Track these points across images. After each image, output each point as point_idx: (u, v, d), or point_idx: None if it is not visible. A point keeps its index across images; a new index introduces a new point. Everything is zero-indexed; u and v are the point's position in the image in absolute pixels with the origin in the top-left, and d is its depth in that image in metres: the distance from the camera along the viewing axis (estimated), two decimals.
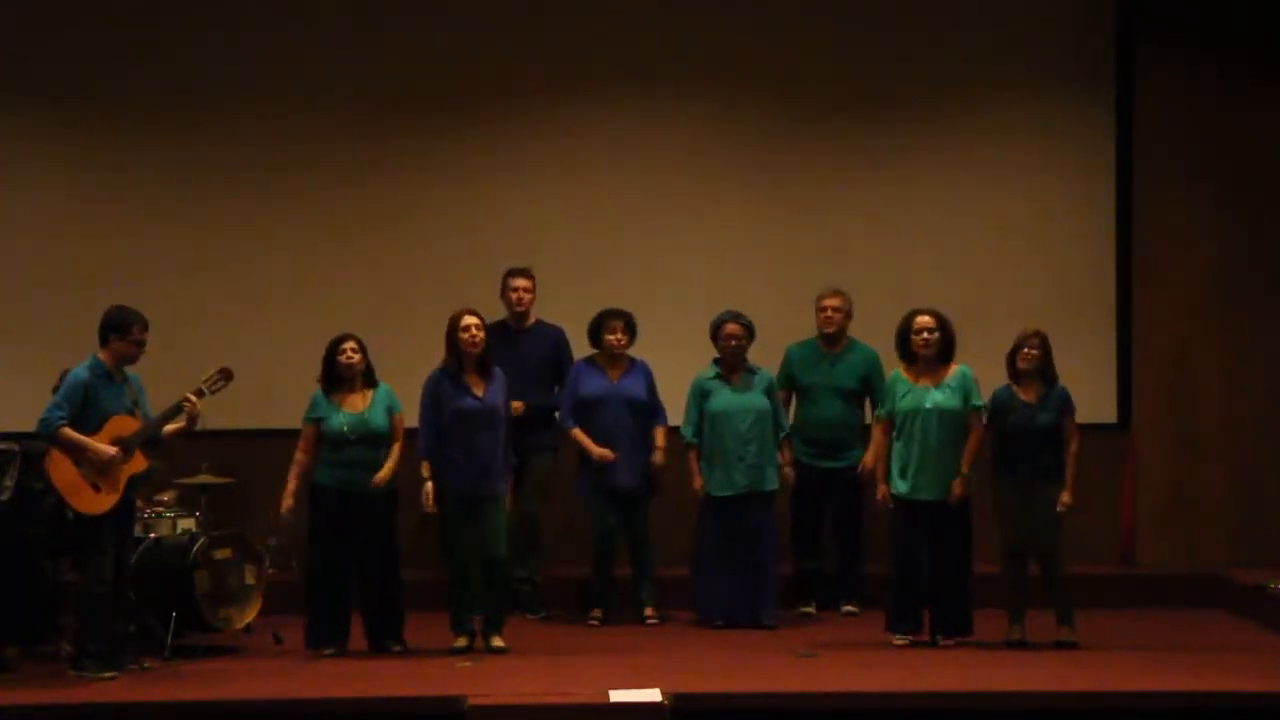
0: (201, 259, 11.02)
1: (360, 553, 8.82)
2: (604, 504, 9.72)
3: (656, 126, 11.12)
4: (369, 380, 8.93)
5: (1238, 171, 10.84)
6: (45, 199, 11.07)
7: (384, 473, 8.80)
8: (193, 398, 8.38)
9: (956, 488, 8.83)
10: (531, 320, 10.06)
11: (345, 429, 8.79)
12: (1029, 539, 8.87)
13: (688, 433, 9.64)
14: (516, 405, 9.22)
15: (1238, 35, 10.82)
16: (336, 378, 8.89)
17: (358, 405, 8.87)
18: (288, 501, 8.87)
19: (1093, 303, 11.00)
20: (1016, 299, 10.81)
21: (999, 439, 8.90)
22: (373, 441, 8.83)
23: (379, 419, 8.86)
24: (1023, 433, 8.84)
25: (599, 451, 9.64)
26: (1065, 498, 8.83)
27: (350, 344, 8.89)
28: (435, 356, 9.13)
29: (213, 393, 8.52)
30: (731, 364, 9.61)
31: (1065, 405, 8.92)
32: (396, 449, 8.91)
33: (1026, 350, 8.88)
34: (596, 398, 9.72)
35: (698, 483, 9.55)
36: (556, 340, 10.09)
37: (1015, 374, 8.94)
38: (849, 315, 10.04)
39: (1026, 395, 8.90)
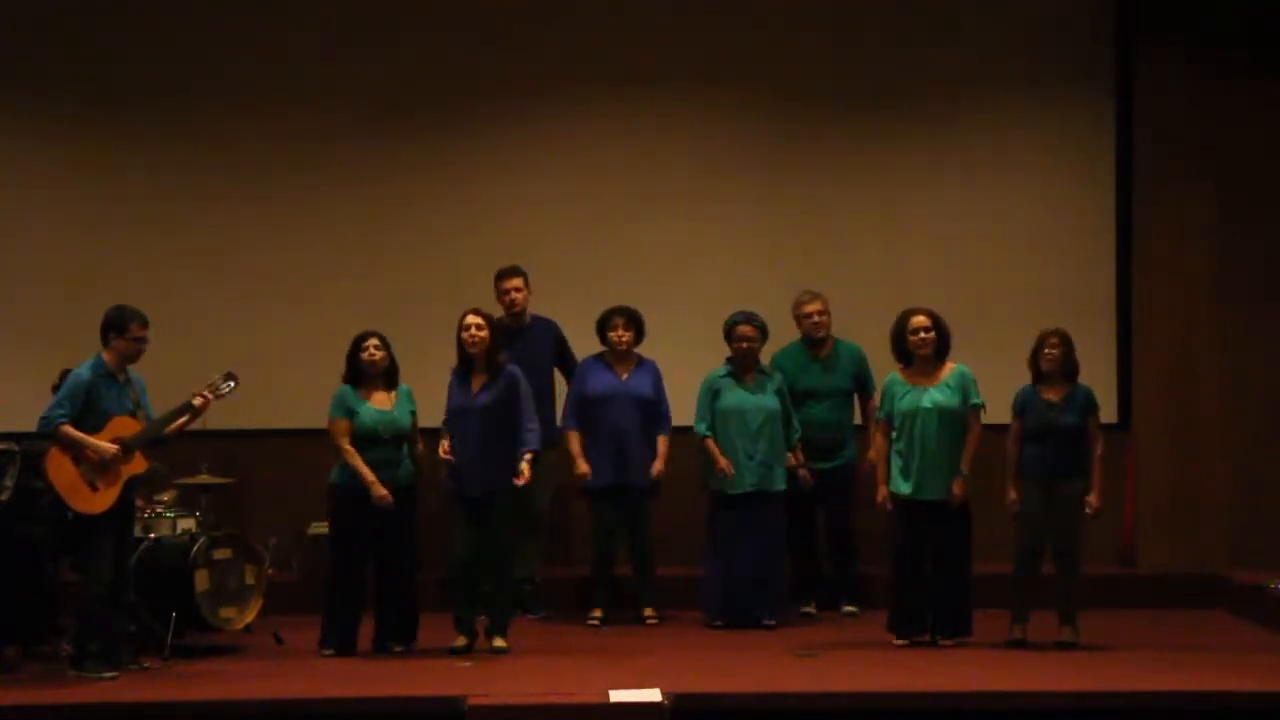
0: (202, 259, 11.02)
1: (378, 552, 8.81)
2: (606, 503, 9.72)
3: (657, 127, 11.12)
4: (391, 379, 8.91)
5: (1237, 171, 10.84)
6: (46, 199, 11.08)
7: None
8: (207, 393, 8.39)
9: (957, 488, 8.83)
10: (527, 318, 10.06)
11: (379, 426, 8.78)
12: (1047, 539, 8.85)
13: (700, 427, 9.60)
14: (523, 471, 8.90)
15: (1238, 35, 10.81)
16: (359, 375, 8.87)
17: (383, 404, 8.86)
18: (381, 490, 8.66)
19: (1093, 303, 10.99)
20: (1017, 299, 10.82)
21: (1022, 438, 8.88)
22: (398, 441, 8.82)
23: (405, 418, 8.86)
24: (1046, 432, 8.83)
25: (582, 468, 9.67)
26: (1093, 500, 8.83)
27: (373, 341, 8.87)
28: (436, 356, 9.15)
29: (217, 397, 8.51)
30: (744, 364, 9.61)
31: (1089, 406, 8.91)
32: (420, 451, 8.93)
33: (1048, 350, 8.87)
34: (605, 395, 9.72)
35: (723, 462, 9.47)
36: (555, 334, 10.10)
37: (1038, 374, 8.92)
38: (829, 315, 10.03)
39: (1050, 394, 8.89)
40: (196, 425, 8.63)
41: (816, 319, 9.97)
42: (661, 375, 9.85)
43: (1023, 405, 8.92)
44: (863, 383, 9.95)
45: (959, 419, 8.90)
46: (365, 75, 11.08)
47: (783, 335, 10.03)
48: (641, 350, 9.90)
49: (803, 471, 9.67)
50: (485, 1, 11.18)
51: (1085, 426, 8.88)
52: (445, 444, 8.79)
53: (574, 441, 9.75)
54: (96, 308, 8.49)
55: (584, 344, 10.05)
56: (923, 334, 8.91)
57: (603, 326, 9.82)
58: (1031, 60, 11.10)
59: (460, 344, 8.88)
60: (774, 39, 11.09)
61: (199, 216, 11.04)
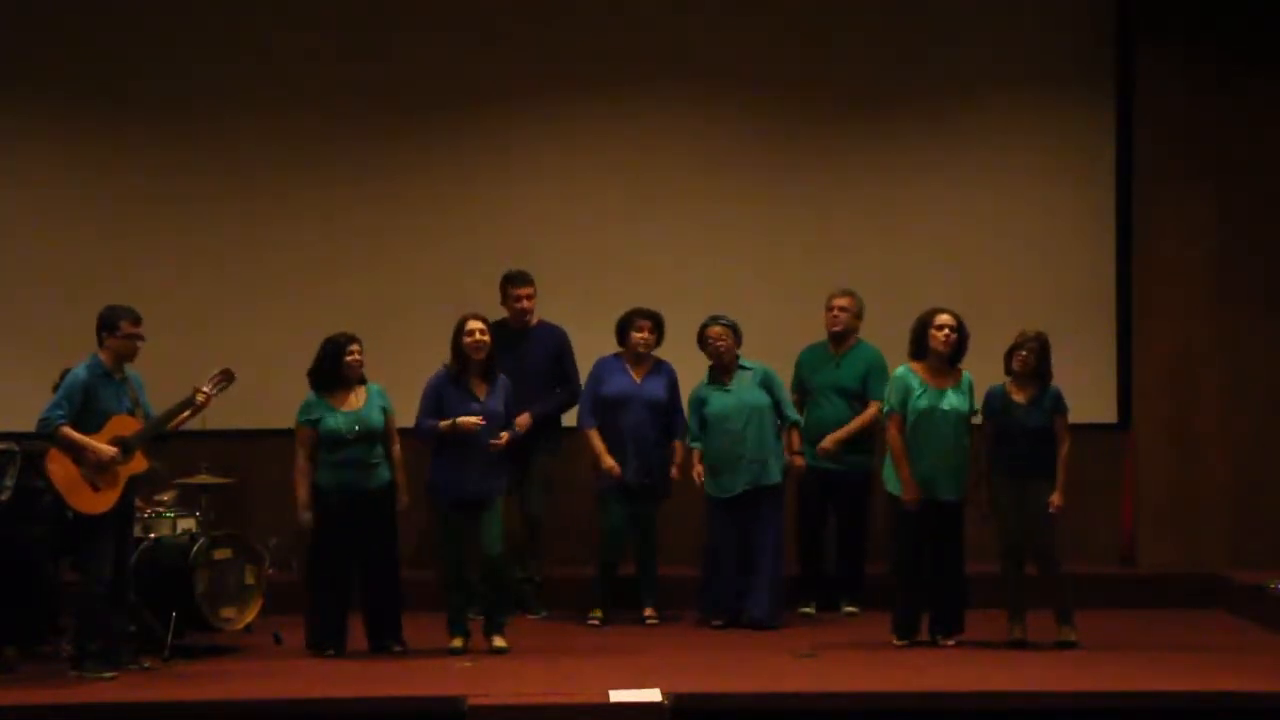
0: (201, 259, 11.03)
1: (361, 552, 8.81)
2: (616, 504, 9.72)
3: (656, 127, 11.12)
4: (361, 379, 8.93)
5: (1238, 171, 10.84)
6: (45, 199, 11.07)
7: (404, 496, 8.87)
8: (206, 389, 8.39)
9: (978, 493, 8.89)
10: (534, 321, 10.06)
11: (344, 429, 8.78)
12: (1024, 538, 8.87)
13: (689, 436, 9.63)
14: (522, 420, 9.09)
15: (1238, 35, 10.81)
16: (336, 377, 8.87)
17: (353, 404, 8.86)
18: (306, 515, 8.80)
19: (1093, 303, 11.00)
20: (1016, 299, 10.81)
21: (993, 438, 8.91)
22: (370, 440, 8.82)
23: (376, 417, 8.85)
24: (1015, 432, 8.84)
25: (609, 462, 9.65)
26: (1055, 499, 8.84)
27: (356, 345, 8.88)
28: (432, 357, 9.14)
29: (215, 392, 8.51)
30: (722, 366, 9.60)
31: (1057, 406, 8.92)
32: (397, 451, 8.91)
33: (1023, 353, 8.88)
34: (620, 398, 9.71)
35: (698, 469, 9.51)
36: (560, 341, 10.08)
37: (1010, 373, 8.95)
38: (858, 316, 10.03)
39: (1019, 395, 8.90)
40: (196, 424, 8.64)
41: (836, 313, 9.98)
42: (676, 378, 9.84)
43: (990, 405, 8.93)
44: (868, 385, 9.90)
45: (967, 424, 8.92)
46: (365, 75, 11.08)
47: (778, 336, 10.02)
48: None
49: (796, 456, 9.61)
50: (485, 2, 11.17)
51: (1051, 427, 8.89)
52: (471, 419, 8.74)
53: (595, 439, 9.74)
54: (96, 308, 8.47)
55: (583, 342, 10.06)
56: (947, 332, 8.91)
57: (625, 327, 9.79)
58: (1031, 60, 11.10)
59: (460, 349, 8.87)
60: (774, 39, 11.09)
61: (199, 216, 11.04)
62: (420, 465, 8.99)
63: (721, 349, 9.56)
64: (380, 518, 8.83)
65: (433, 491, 8.85)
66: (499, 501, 8.88)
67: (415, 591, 9.09)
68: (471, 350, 8.85)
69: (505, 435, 8.84)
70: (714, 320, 9.59)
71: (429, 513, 9.08)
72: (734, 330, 9.59)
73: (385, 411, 8.90)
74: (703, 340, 9.60)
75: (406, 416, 9.00)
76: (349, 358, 8.84)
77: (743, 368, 9.62)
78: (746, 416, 9.50)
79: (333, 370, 8.86)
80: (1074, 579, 9.03)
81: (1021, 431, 8.84)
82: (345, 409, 8.83)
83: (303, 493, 8.81)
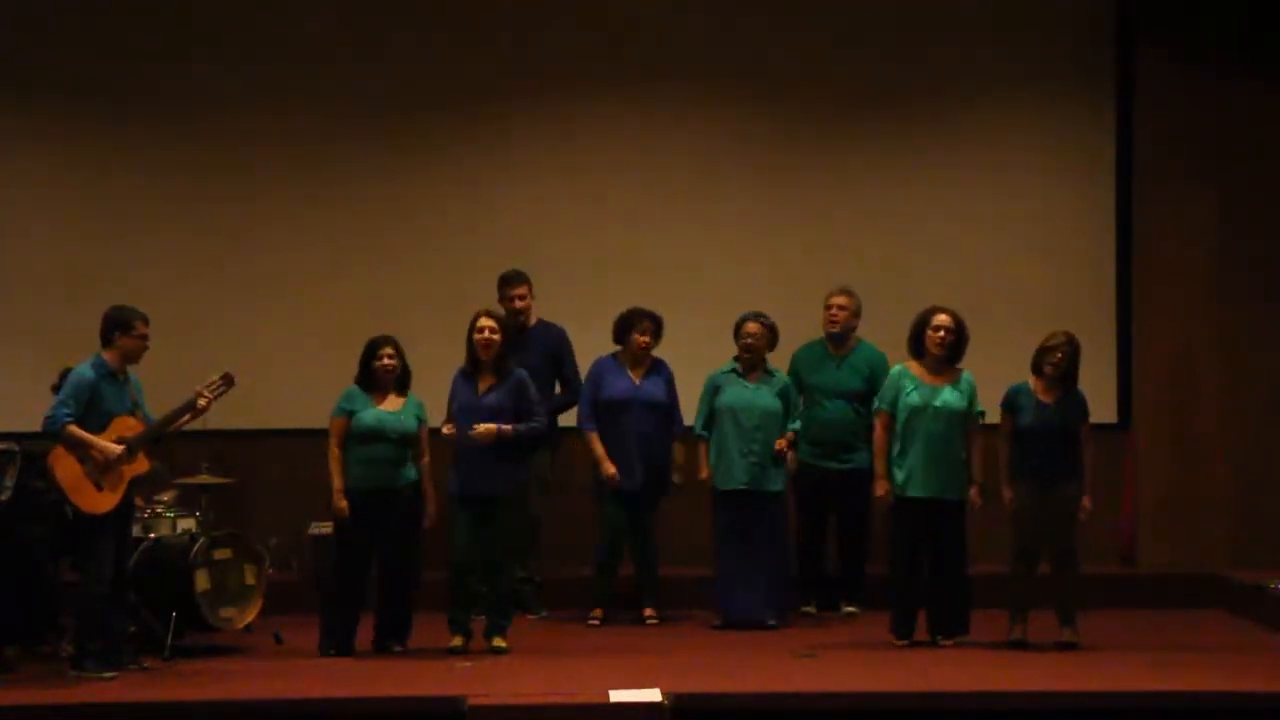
0: (201, 259, 11.03)
1: (382, 552, 8.81)
2: (615, 504, 9.72)
3: (658, 127, 11.12)
4: (403, 387, 8.91)
5: (1238, 171, 10.84)
6: (47, 199, 11.08)
7: (433, 510, 8.86)
8: (207, 393, 8.38)
9: (975, 495, 8.87)
10: (533, 321, 10.06)
11: (376, 424, 8.75)
12: (1042, 539, 8.84)
13: (697, 425, 9.64)
14: (486, 429, 8.81)
15: (1237, 35, 10.81)
16: (372, 380, 8.87)
17: (390, 406, 8.84)
18: (341, 503, 8.74)
19: (1093, 303, 11.00)
20: (1016, 299, 10.82)
21: (1015, 438, 8.89)
22: (402, 443, 8.80)
23: (410, 422, 8.84)
24: (1041, 434, 8.81)
25: (609, 469, 9.65)
26: (1087, 503, 8.83)
27: (388, 349, 8.85)
28: (435, 357, 9.14)
29: (215, 397, 8.49)
30: (749, 362, 9.60)
31: (1081, 410, 8.90)
32: (425, 462, 8.90)
33: (1058, 356, 8.83)
34: (620, 400, 9.71)
35: (704, 472, 9.54)
36: (559, 341, 10.09)
37: (1039, 374, 8.91)
38: (856, 315, 10.03)
39: (1046, 397, 8.87)
40: (196, 425, 8.63)
41: (834, 312, 9.97)
42: (673, 377, 9.84)
43: (1014, 404, 8.92)
44: (873, 387, 9.88)
45: (963, 422, 8.91)
46: (365, 75, 11.08)
47: (783, 334, 10.00)
48: None
49: (783, 444, 9.48)
50: (485, 2, 11.18)
51: (1078, 430, 8.88)
52: (448, 426, 8.78)
53: (596, 443, 9.74)
54: (96, 308, 8.47)
55: (583, 342, 10.06)
56: (943, 333, 8.89)
57: (626, 327, 9.78)
58: (1031, 60, 11.10)
59: (471, 345, 8.88)
60: (774, 39, 11.09)
61: (199, 217, 11.04)
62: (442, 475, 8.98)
63: (755, 346, 9.56)
64: (403, 518, 8.81)
65: (449, 488, 8.87)
66: (506, 502, 8.85)
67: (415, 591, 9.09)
68: (479, 347, 8.85)
69: (482, 426, 8.74)
70: (754, 317, 9.59)
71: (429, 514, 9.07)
72: (771, 332, 9.60)
73: (420, 421, 8.90)
74: (738, 333, 9.61)
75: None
76: (378, 362, 8.83)
77: (768, 371, 9.63)
78: (761, 417, 9.49)
79: (366, 371, 8.86)
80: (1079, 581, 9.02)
81: (1047, 433, 8.80)
82: (382, 407, 8.82)
83: (337, 480, 8.76)
